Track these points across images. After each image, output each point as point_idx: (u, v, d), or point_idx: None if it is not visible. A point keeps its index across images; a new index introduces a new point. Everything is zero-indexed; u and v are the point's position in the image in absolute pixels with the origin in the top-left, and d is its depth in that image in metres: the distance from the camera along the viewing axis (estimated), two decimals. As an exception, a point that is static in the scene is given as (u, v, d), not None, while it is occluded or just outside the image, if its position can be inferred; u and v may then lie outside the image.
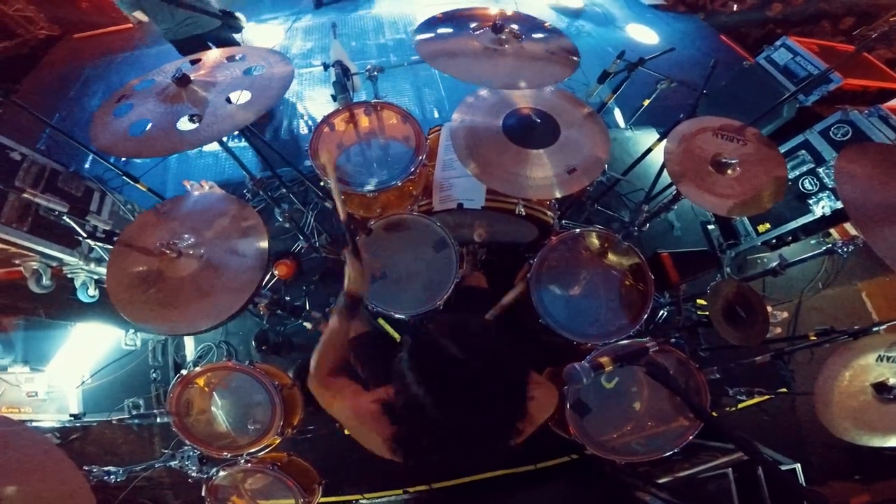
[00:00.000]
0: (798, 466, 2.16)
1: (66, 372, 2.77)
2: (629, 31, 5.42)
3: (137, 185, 2.03)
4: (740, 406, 2.50)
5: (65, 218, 1.66)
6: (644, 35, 5.40)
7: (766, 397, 2.56)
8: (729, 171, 1.82)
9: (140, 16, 3.09)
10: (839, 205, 2.60)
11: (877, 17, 5.56)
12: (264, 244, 1.58)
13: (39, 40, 5.44)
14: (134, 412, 2.51)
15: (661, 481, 2.00)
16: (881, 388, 1.70)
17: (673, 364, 1.80)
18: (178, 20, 3.08)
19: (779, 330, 3.05)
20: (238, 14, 3.35)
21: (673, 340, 1.89)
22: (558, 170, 1.79)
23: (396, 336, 2.26)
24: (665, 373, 1.09)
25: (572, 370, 1.06)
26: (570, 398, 1.77)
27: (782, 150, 2.91)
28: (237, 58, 1.76)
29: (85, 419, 2.18)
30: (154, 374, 2.89)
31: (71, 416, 2.19)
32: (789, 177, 2.81)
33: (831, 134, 2.77)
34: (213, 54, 1.80)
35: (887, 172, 1.53)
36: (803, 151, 2.89)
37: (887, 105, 2.66)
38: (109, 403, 2.77)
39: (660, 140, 2.38)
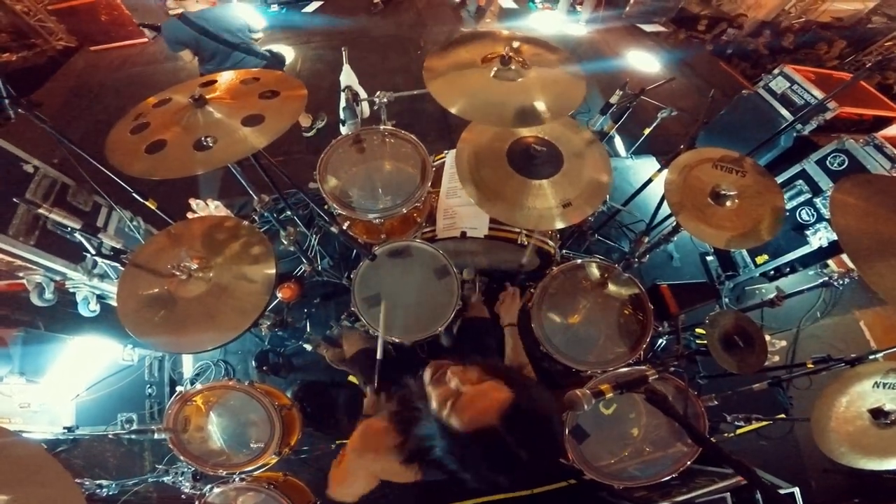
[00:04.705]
0: (797, 490, 2.15)
1: (62, 384, 2.77)
2: (630, 59, 5.54)
3: (146, 203, 2.06)
4: (739, 432, 2.50)
5: (76, 234, 1.68)
6: (645, 63, 5.52)
7: (765, 423, 2.56)
8: (727, 203, 1.85)
9: (186, 55, 3.17)
10: (835, 236, 2.63)
11: (871, 43, 5.71)
12: (272, 270, 1.61)
13: (57, 51, 5.58)
14: (127, 427, 2.51)
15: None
16: (878, 413, 1.73)
17: (671, 392, 1.81)
18: (229, 63, 3.22)
19: (777, 358, 3.06)
20: (280, 52, 3.49)
21: (672, 369, 1.90)
22: (560, 201, 1.82)
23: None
24: (664, 400, 1.10)
25: (574, 397, 1.07)
26: (568, 424, 1.77)
27: (780, 180, 2.97)
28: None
29: (78, 432, 2.18)
30: (150, 390, 2.88)
31: (64, 428, 2.19)
32: (787, 207, 2.85)
33: (828, 164, 2.81)
34: (229, 76, 1.85)
35: (882, 204, 1.54)
36: (800, 181, 2.93)
37: (882, 134, 2.71)
38: (103, 417, 2.76)
39: (660, 171, 2.43)
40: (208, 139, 1.50)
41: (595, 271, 2.08)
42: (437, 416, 0.98)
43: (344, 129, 2.34)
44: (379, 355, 1.59)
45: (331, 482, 1.37)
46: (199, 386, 1.93)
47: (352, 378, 2.53)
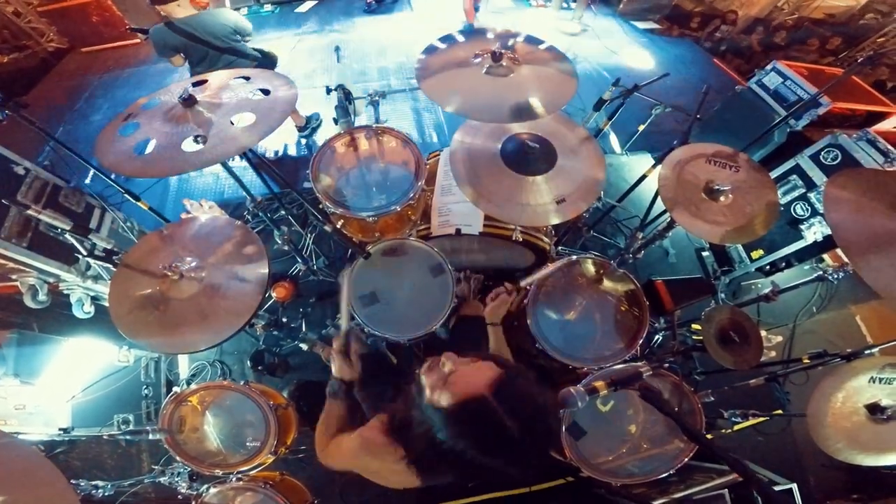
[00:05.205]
0: (794, 486, 2.16)
1: (57, 386, 2.75)
2: (624, 56, 5.54)
3: (139, 204, 2.05)
4: (736, 428, 2.50)
5: (66, 235, 1.67)
6: (639, 59, 5.53)
7: (762, 419, 2.57)
8: (721, 199, 1.85)
9: (177, 60, 3.15)
10: (830, 230, 2.64)
11: (863, 39, 5.74)
12: (264, 270, 1.60)
13: (48, 52, 5.55)
14: (123, 427, 2.49)
15: (656, 503, 1.99)
16: (874, 408, 1.73)
17: (668, 388, 1.82)
18: (219, 66, 3.18)
19: (773, 353, 3.07)
20: (272, 52, 3.46)
21: (667, 365, 1.90)
22: (554, 197, 1.82)
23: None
24: (659, 396, 1.10)
25: (568, 395, 1.07)
26: (565, 421, 1.77)
27: (774, 175, 2.97)
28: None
29: (74, 433, 2.17)
30: (146, 391, 2.87)
31: (60, 429, 2.18)
32: (781, 202, 2.85)
33: (821, 158, 2.82)
34: (220, 76, 1.84)
35: (876, 199, 1.55)
36: (794, 176, 2.93)
37: (875, 128, 2.72)
38: (99, 418, 2.74)
39: (654, 167, 2.43)
40: (199, 138, 1.49)
41: (590, 267, 2.08)
42: (430, 399, 1.01)
43: (337, 128, 2.33)
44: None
45: (319, 453, 1.39)
46: (194, 386, 1.92)
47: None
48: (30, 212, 1.54)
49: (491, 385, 0.95)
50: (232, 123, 1.54)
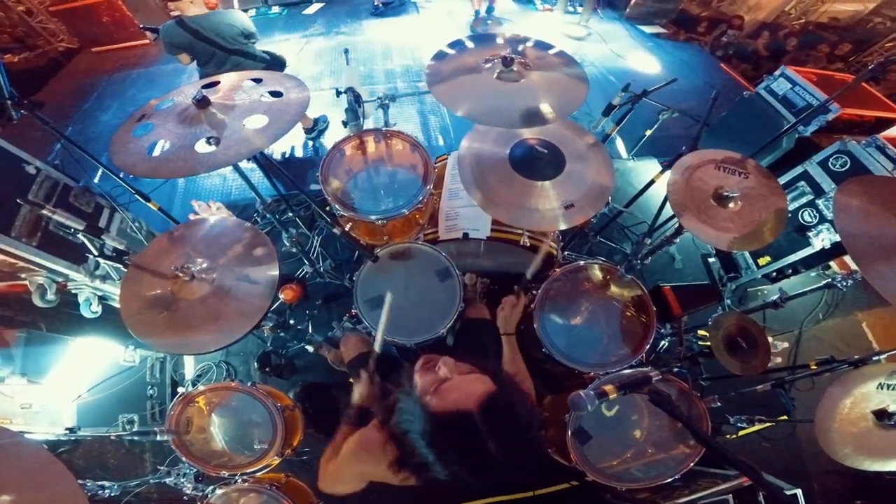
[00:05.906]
0: (799, 492, 2.15)
1: (63, 385, 2.76)
2: (631, 61, 5.54)
3: (148, 204, 2.06)
4: (741, 433, 2.50)
5: (79, 235, 1.67)
6: (646, 64, 5.53)
7: (767, 425, 2.56)
8: (731, 205, 1.85)
9: (183, 58, 3.17)
10: (838, 237, 2.63)
11: (871, 44, 5.71)
12: (275, 272, 1.61)
13: (59, 52, 5.61)
14: (128, 428, 2.50)
15: (661, 508, 1.99)
16: (881, 414, 1.73)
17: (675, 393, 1.81)
18: (227, 67, 3.21)
19: (779, 359, 3.06)
20: (280, 55, 3.48)
21: (675, 370, 1.90)
22: (562, 202, 1.82)
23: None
24: (668, 400, 1.10)
25: (577, 398, 1.07)
26: (571, 426, 1.77)
27: (782, 182, 2.96)
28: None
29: (80, 433, 2.18)
30: (151, 391, 2.87)
31: (66, 429, 2.18)
32: (788, 209, 2.84)
33: (830, 165, 2.80)
34: (231, 77, 1.85)
35: (885, 206, 1.55)
36: (802, 183, 2.92)
37: (884, 135, 2.70)
38: (104, 418, 2.74)
39: (662, 172, 2.42)
40: (212, 140, 1.50)
41: (597, 273, 2.08)
42: (420, 400, 1.01)
43: (346, 131, 2.34)
44: (377, 348, 1.55)
45: (321, 477, 1.39)
46: (201, 387, 1.93)
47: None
48: (44, 212, 1.55)
49: (480, 401, 0.93)
50: (244, 125, 1.56)
